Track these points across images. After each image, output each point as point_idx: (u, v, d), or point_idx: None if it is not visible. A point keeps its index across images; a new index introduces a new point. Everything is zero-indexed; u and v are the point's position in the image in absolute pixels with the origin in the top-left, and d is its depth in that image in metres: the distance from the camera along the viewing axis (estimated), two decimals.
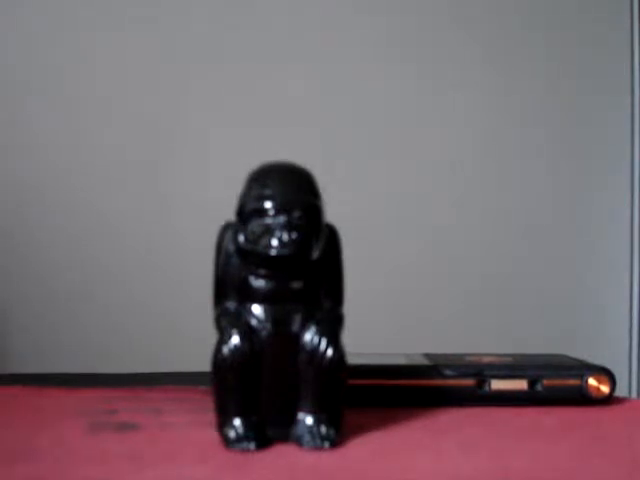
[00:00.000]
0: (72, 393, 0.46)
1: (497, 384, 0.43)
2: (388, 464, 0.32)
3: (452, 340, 0.82)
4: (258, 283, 0.34)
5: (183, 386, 0.48)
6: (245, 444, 0.33)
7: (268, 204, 0.33)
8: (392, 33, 0.99)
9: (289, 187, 0.34)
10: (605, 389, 0.43)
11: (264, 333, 0.34)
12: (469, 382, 0.43)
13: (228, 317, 0.34)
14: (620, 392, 0.44)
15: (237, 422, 0.33)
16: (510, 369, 0.43)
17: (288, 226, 0.33)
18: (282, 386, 0.34)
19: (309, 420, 0.34)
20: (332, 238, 0.35)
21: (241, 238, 0.34)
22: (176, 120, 0.93)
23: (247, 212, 0.34)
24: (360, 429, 0.36)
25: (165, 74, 0.93)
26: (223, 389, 0.34)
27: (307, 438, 0.33)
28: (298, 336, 0.34)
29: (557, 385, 0.43)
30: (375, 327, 0.86)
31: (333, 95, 0.97)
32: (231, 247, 0.35)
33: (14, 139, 0.90)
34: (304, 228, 0.33)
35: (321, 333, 0.34)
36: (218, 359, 0.33)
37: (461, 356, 0.47)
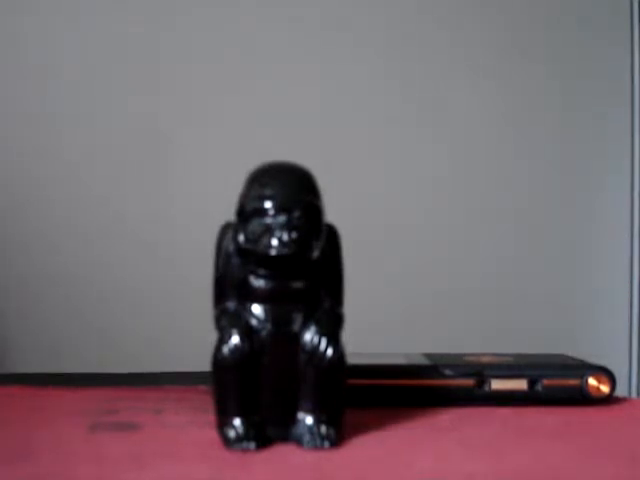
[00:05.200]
0: (72, 393, 0.46)
1: (497, 384, 0.43)
2: (388, 464, 0.32)
3: (452, 340, 0.82)
4: (258, 283, 0.34)
5: (183, 386, 0.48)
6: (245, 444, 0.33)
7: (268, 204, 0.33)
8: (392, 33, 0.99)
9: (289, 187, 0.34)
10: (605, 389, 0.43)
11: (264, 333, 0.34)
12: (469, 382, 0.43)
13: (228, 317, 0.34)
14: (620, 392, 0.44)
15: (237, 422, 0.33)
16: (510, 369, 0.43)
17: (288, 226, 0.33)
18: (282, 386, 0.34)
19: (309, 420, 0.34)
20: (332, 238, 0.35)
21: (241, 238, 0.34)
22: (176, 120, 0.93)
23: (247, 212, 0.34)
24: (360, 429, 0.36)
25: (165, 74, 0.93)
26: (223, 389, 0.34)
27: (307, 438, 0.33)
28: (298, 336, 0.34)
29: (557, 385, 0.43)
30: (375, 327, 0.86)
31: (333, 95, 0.97)
32: (231, 247, 0.35)
33: (15, 139, 0.90)
34: (304, 228, 0.33)
35: (321, 333, 0.34)
36: (218, 359, 0.33)
37: (461, 356, 0.47)
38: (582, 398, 0.43)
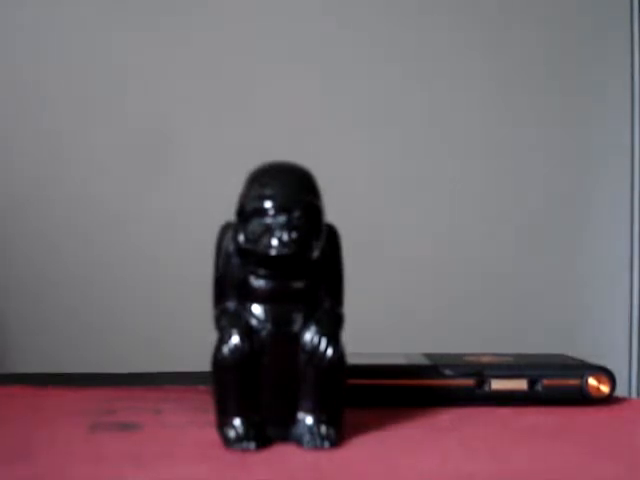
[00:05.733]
0: (72, 393, 0.46)
1: (497, 384, 0.43)
2: (388, 464, 0.32)
3: (452, 340, 0.82)
4: (258, 283, 0.34)
5: (183, 386, 0.48)
6: (245, 444, 0.33)
7: (268, 204, 0.33)
8: (392, 33, 0.99)
9: (289, 187, 0.34)
10: (605, 389, 0.43)
11: (264, 333, 0.34)
12: (469, 382, 0.43)
13: (228, 317, 0.34)
14: (620, 392, 0.44)
15: (237, 422, 0.33)
16: (510, 369, 0.43)
17: (288, 226, 0.33)
18: (282, 386, 0.34)
19: (309, 420, 0.34)
20: (332, 238, 0.35)
21: (241, 238, 0.34)
22: (176, 120, 0.93)
23: (247, 212, 0.34)
24: (360, 429, 0.36)
25: (166, 74, 0.93)
26: (223, 389, 0.34)
27: (307, 438, 0.33)
28: (298, 336, 0.34)
29: (557, 385, 0.43)
30: (375, 327, 0.86)
31: (333, 95, 0.97)
32: (231, 247, 0.35)
33: (15, 139, 0.90)
34: (304, 228, 0.33)
35: (321, 333, 0.34)
36: (218, 359, 0.33)
37: (461, 356, 0.47)
38: (582, 398, 0.43)
